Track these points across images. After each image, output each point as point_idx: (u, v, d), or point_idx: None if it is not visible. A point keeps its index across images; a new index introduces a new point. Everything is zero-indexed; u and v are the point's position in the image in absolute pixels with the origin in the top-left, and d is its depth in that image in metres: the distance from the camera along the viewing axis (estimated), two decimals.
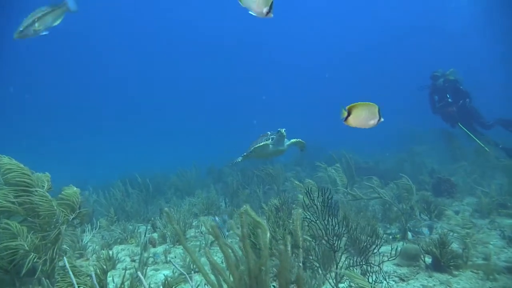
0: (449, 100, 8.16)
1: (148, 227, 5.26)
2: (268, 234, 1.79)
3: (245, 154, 5.67)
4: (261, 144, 5.37)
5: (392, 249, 3.11)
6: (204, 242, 4.28)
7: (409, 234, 4.11)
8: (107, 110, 34.53)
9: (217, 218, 4.64)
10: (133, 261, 3.91)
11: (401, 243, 3.99)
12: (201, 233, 4.79)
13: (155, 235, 4.77)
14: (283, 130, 5.12)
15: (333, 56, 34.71)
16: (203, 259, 3.91)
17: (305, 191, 3.02)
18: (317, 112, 30.07)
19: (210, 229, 1.90)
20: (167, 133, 29.56)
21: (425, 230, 4.33)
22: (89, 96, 34.94)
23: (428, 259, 3.35)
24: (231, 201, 6.29)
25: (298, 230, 1.80)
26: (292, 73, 36.43)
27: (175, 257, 3.98)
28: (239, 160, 5.85)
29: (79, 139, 27.01)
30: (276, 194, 6.52)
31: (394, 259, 3.11)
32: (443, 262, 3.19)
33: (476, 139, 7.34)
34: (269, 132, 5.61)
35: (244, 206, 1.89)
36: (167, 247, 4.30)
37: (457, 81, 8.17)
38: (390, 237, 4.18)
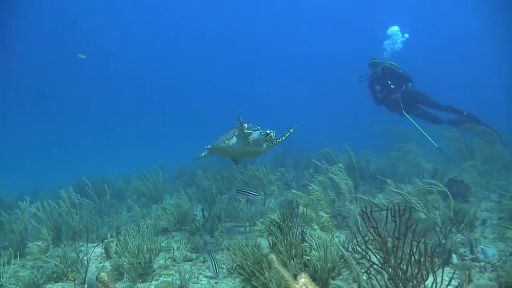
0: (391, 86, 7.55)
1: (100, 251, 3.91)
2: None
3: (209, 146, 4.27)
4: (232, 141, 3.98)
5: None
6: (177, 277, 3.00)
7: (454, 257, 3.11)
8: (78, 112, 31.34)
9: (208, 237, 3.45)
10: None
11: (447, 269, 3.01)
12: (174, 260, 3.50)
13: (108, 265, 3.44)
14: (272, 133, 3.69)
15: (329, 53, 34.22)
16: None
17: (363, 215, 1.88)
18: (296, 109, 29.52)
19: None
20: (139, 133, 27.39)
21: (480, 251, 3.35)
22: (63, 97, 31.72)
23: None
24: (209, 211, 5.02)
25: None
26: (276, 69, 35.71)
27: None
28: (203, 154, 4.55)
29: (38, 145, 24.11)
30: (262, 200, 5.40)
31: None
32: None
33: (422, 130, 6.75)
34: (245, 125, 4.22)
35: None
36: (124, 286, 2.99)
37: (395, 66, 7.59)
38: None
